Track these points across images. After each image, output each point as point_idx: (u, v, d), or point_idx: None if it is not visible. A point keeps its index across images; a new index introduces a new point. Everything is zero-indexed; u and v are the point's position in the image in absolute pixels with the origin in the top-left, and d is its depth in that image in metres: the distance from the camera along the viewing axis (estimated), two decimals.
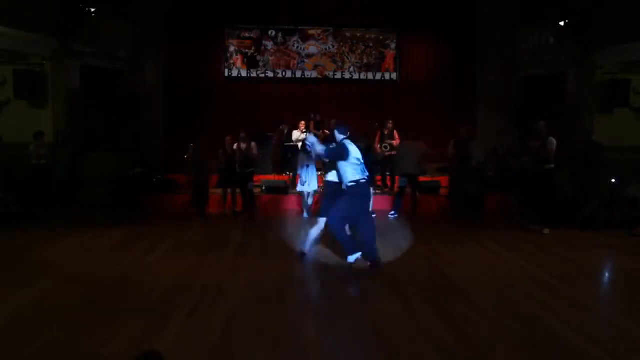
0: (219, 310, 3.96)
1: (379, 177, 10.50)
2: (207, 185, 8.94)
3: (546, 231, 7.43)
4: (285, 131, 10.65)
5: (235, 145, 8.84)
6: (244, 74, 12.99)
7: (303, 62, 13.08)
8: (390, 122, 10.59)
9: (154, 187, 10.21)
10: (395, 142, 10.35)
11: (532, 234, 7.33)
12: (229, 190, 9.01)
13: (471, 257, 5.92)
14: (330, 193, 5.47)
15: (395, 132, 10.58)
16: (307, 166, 8.43)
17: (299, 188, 8.53)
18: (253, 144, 8.95)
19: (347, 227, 5.44)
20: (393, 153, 9.91)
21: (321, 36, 13.12)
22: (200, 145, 8.85)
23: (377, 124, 10.25)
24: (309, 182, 8.45)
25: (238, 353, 3.24)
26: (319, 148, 5.28)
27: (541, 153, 7.65)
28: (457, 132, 8.84)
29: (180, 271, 5.12)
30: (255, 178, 10.36)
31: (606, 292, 4.86)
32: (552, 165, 7.62)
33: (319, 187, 8.46)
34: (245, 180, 8.82)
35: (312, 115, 10.74)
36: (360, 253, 5.26)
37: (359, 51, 13.15)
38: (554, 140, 7.73)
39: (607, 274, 5.62)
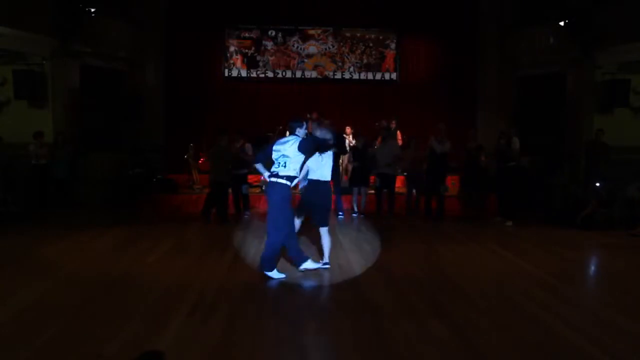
0: (219, 310, 3.96)
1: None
2: (227, 186, 8.37)
3: (509, 223, 7.96)
4: (287, 133, 10.63)
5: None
6: (244, 74, 12.99)
7: (303, 62, 13.08)
8: (394, 122, 10.62)
9: (154, 187, 10.20)
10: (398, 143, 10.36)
11: (531, 234, 7.34)
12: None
13: (471, 257, 5.92)
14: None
15: (398, 132, 10.59)
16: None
17: None
18: (247, 145, 8.86)
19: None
20: None
21: (321, 36, 13.12)
22: (219, 146, 8.24)
23: (377, 124, 10.24)
24: None
25: (238, 353, 3.25)
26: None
27: (506, 152, 8.21)
28: (436, 129, 8.83)
29: (180, 271, 5.12)
30: (255, 178, 10.37)
31: (606, 292, 4.86)
32: (514, 163, 8.22)
33: None
34: (237, 181, 8.69)
35: (308, 115, 10.74)
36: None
37: (359, 51, 13.14)
38: (517, 140, 8.34)
39: (606, 274, 5.62)
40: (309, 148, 4.82)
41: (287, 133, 5.24)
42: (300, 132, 4.97)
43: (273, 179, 4.78)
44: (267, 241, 4.84)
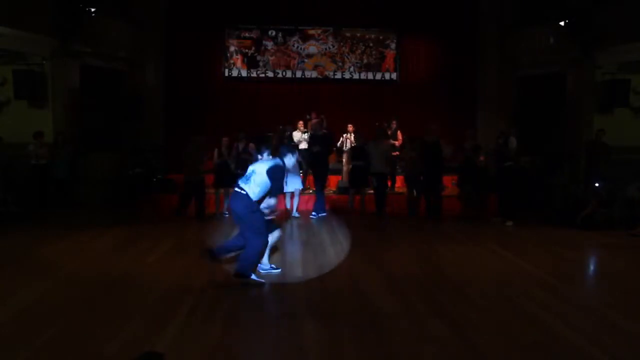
0: (219, 310, 3.96)
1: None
2: (199, 185, 8.67)
3: (509, 223, 7.95)
4: (287, 132, 10.63)
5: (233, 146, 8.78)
6: (244, 74, 12.98)
7: (303, 62, 13.07)
8: (394, 122, 10.64)
9: (154, 187, 10.20)
10: (398, 143, 10.37)
11: (531, 234, 7.34)
12: (222, 191, 8.94)
13: (471, 257, 5.92)
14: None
15: (398, 132, 10.60)
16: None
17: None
18: (251, 145, 8.87)
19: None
20: (395, 153, 9.91)
21: (321, 36, 13.11)
22: (193, 146, 8.68)
23: (377, 124, 10.25)
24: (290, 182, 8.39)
25: (238, 353, 3.25)
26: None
27: (503, 151, 8.32)
28: (426, 130, 8.77)
29: (180, 271, 5.12)
30: None
31: (606, 292, 4.86)
32: (510, 163, 8.25)
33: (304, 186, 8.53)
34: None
35: (308, 116, 10.76)
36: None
37: (359, 51, 13.14)
38: (514, 140, 8.43)
39: (606, 274, 5.62)
40: (276, 177, 4.55)
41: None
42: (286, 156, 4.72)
43: (237, 189, 4.58)
44: (249, 247, 4.53)
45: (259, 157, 5.27)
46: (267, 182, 4.50)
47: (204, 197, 8.70)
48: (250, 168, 4.69)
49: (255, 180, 4.52)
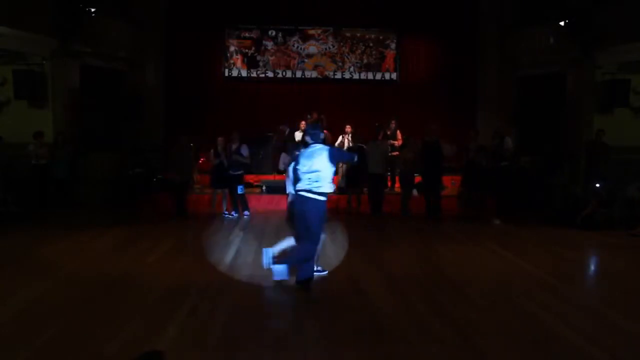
0: (219, 310, 3.96)
1: None
2: (184, 185, 8.88)
3: (497, 221, 8.02)
4: (287, 131, 10.63)
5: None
6: (244, 74, 12.99)
7: (303, 62, 13.07)
8: (394, 122, 10.64)
9: (154, 187, 10.20)
10: (398, 142, 10.38)
11: (531, 234, 7.34)
12: (218, 191, 8.94)
13: (471, 257, 5.93)
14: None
15: (398, 131, 10.61)
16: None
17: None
18: (244, 145, 8.82)
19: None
20: (395, 153, 9.92)
21: (321, 36, 13.11)
22: (180, 146, 8.83)
23: (377, 124, 10.24)
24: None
25: (238, 353, 3.25)
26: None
27: (498, 151, 8.43)
28: (425, 130, 8.78)
29: (180, 271, 5.12)
30: (256, 178, 10.36)
31: (606, 291, 4.86)
32: (506, 163, 8.40)
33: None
34: (234, 181, 8.67)
35: (308, 116, 10.76)
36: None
37: (359, 51, 13.14)
38: (509, 140, 8.57)
39: (606, 274, 5.62)
40: (338, 155, 4.60)
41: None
42: (322, 137, 4.77)
43: (306, 195, 4.43)
44: (300, 251, 4.60)
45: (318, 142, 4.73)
46: (332, 167, 4.49)
47: (185, 196, 8.89)
48: (308, 168, 4.45)
49: (324, 175, 4.43)
